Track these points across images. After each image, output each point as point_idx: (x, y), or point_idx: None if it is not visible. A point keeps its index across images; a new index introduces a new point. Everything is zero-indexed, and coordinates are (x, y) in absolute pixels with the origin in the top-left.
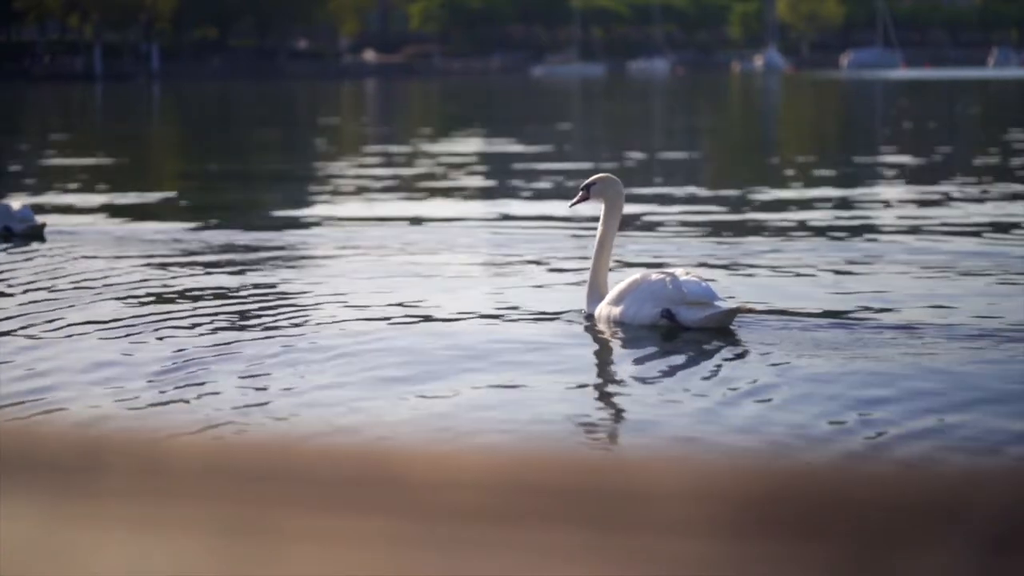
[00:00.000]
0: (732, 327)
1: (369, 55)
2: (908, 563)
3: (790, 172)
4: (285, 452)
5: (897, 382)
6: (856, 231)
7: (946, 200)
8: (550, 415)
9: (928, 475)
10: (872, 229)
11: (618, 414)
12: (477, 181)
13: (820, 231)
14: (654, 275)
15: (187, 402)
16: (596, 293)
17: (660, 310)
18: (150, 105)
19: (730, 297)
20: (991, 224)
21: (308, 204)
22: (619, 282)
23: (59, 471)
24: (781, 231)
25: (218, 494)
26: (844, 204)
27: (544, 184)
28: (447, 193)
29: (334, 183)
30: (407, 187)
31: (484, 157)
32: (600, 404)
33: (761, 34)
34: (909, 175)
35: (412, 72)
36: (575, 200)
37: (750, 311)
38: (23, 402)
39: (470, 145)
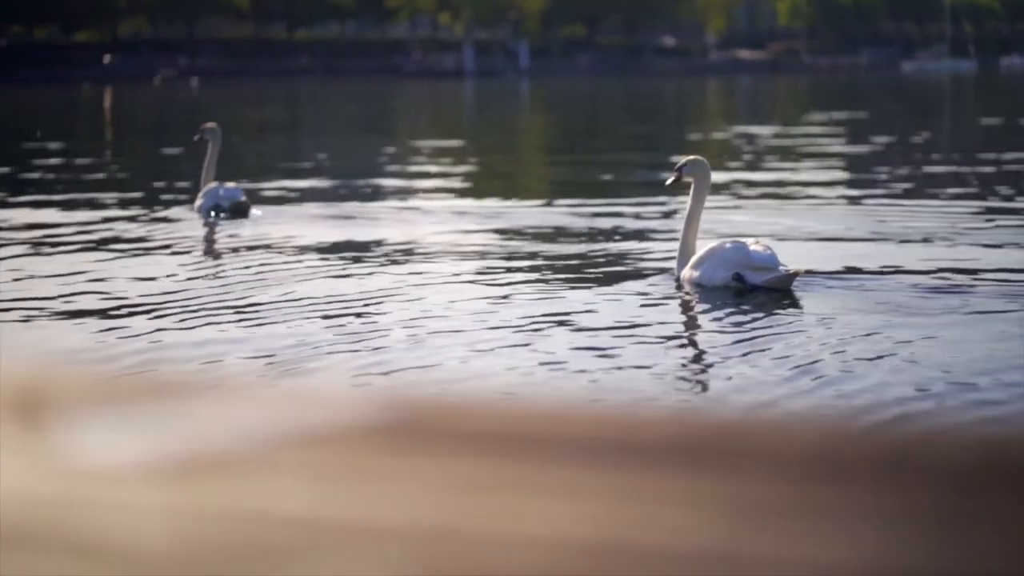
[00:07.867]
0: (792, 288)
1: (737, 52)
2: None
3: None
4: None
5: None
6: None
7: None
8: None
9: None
10: None
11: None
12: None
13: None
14: (727, 244)
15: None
16: (684, 259)
17: (732, 273)
18: (517, 100)
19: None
20: None
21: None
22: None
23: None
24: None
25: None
26: None
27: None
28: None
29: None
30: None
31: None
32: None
33: None
34: None
35: (778, 69)
36: (670, 179)
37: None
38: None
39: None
